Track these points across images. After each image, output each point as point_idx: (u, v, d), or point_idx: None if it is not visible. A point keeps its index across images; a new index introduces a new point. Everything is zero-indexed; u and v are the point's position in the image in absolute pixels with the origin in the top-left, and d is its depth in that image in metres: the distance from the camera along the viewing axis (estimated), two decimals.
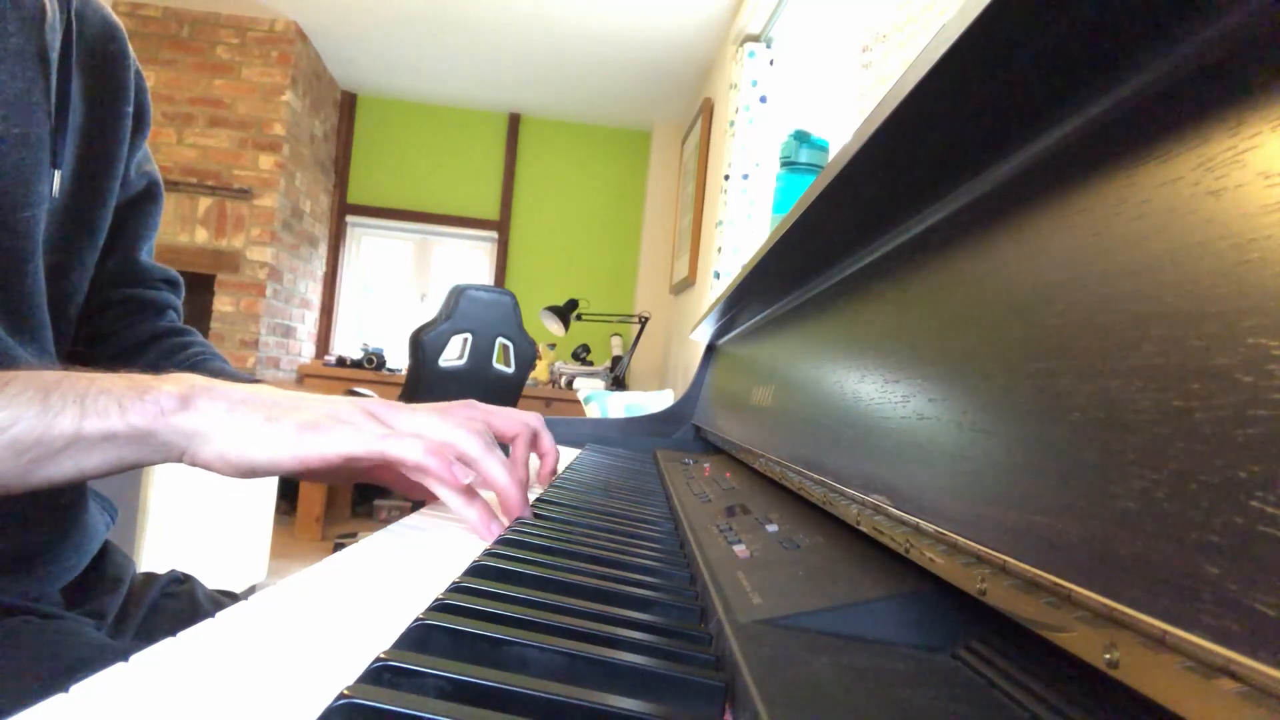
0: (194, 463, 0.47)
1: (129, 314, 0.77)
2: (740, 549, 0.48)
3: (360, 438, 0.47)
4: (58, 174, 0.60)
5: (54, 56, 0.59)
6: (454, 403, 0.63)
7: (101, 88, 0.67)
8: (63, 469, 0.44)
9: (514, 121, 4.51)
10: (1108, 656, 0.20)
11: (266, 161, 3.64)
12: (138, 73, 0.72)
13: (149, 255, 0.78)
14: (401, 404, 0.54)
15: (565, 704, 0.25)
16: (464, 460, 0.51)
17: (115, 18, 0.70)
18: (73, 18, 0.62)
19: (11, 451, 0.41)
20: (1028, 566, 0.25)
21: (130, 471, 0.49)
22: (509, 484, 0.53)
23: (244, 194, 3.61)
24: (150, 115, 0.74)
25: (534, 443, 0.69)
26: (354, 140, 4.47)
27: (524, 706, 0.25)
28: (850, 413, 0.48)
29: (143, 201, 0.75)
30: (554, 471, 0.72)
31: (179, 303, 0.81)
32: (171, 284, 0.80)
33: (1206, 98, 0.22)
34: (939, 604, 0.34)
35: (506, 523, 0.53)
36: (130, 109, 0.70)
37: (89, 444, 0.44)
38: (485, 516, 0.51)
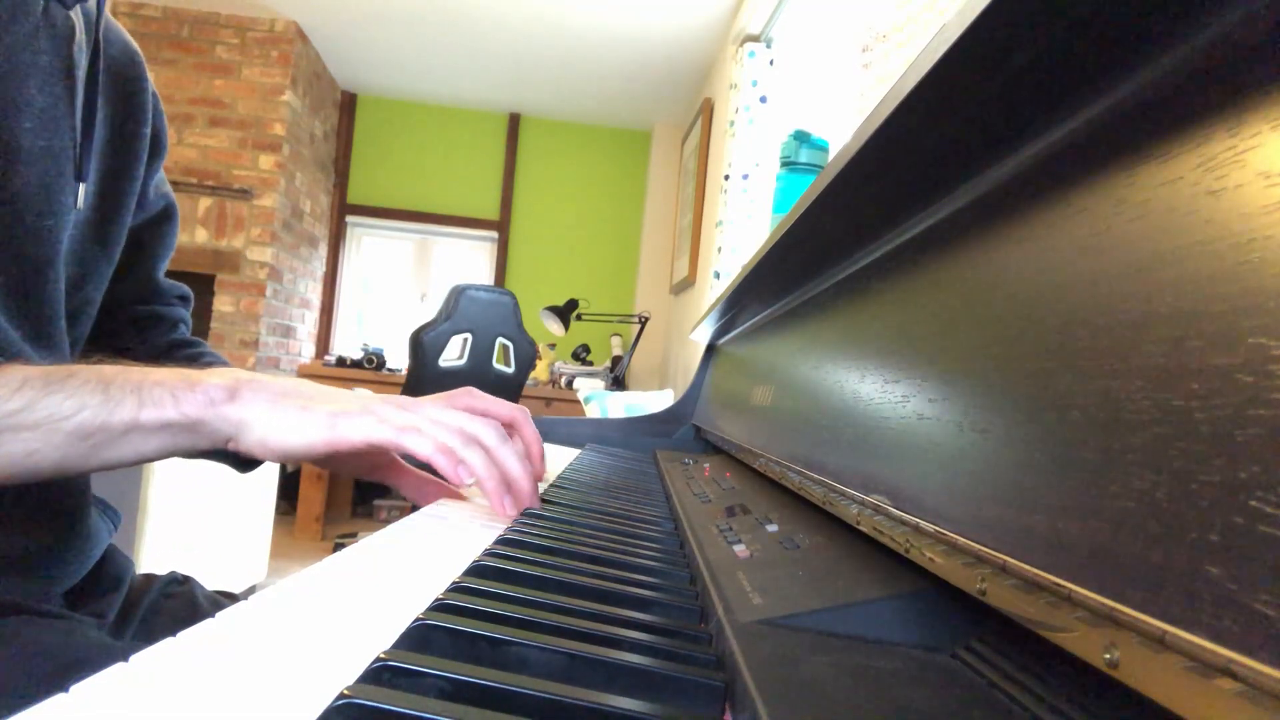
0: (237, 448, 0.51)
1: (146, 329, 0.82)
2: (740, 549, 0.48)
3: (383, 428, 0.51)
4: (82, 187, 0.62)
5: (80, 74, 0.62)
6: (454, 391, 0.65)
7: (123, 108, 0.70)
8: (122, 453, 0.48)
9: (514, 121, 4.51)
10: (1108, 656, 0.20)
11: (266, 161, 3.64)
12: (155, 97, 0.75)
13: (163, 273, 0.83)
14: (424, 399, 0.58)
15: (565, 704, 0.25)
16: (483, 447, 0.54)
17: (135, 44, 0.73)
18: (100, 39, 0.63)
19: (77, 436, 0.46)
20: (1028, 566, 0.25)
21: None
22: (521, 475, 0.56)
23: (244, 194, 3.61)
24: (166, 141, 0.78)
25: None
26: (354, 140, 4.47)
27: (524, 707, 0.25)
28: (850, 413, 0.48)
29: (160, 223, 0.80)
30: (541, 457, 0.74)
31: (188, 315, 0.88)
32: (183, 299, 0.86)
33: (1206, 98, 0.22)
34: (939, 604, 0.34)
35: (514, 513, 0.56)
36: (148, 130, 0.73)
37: (146, 431, 0.48)
38: (498, 496, 0.54)
